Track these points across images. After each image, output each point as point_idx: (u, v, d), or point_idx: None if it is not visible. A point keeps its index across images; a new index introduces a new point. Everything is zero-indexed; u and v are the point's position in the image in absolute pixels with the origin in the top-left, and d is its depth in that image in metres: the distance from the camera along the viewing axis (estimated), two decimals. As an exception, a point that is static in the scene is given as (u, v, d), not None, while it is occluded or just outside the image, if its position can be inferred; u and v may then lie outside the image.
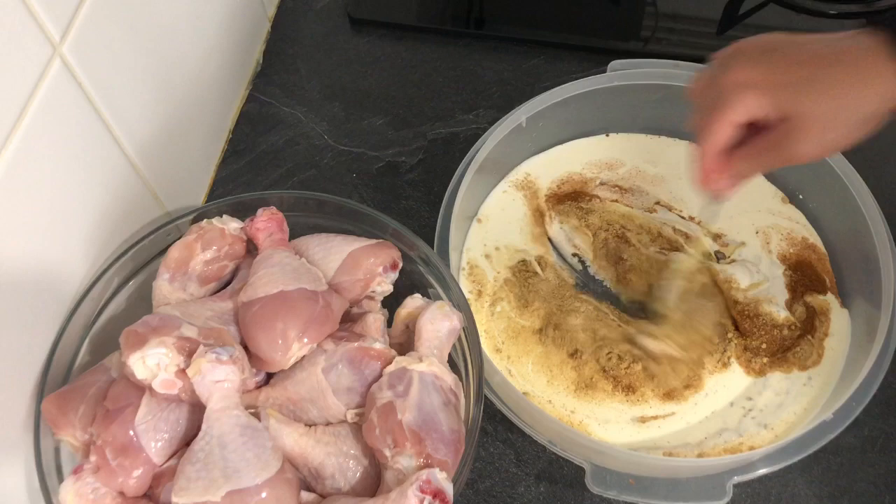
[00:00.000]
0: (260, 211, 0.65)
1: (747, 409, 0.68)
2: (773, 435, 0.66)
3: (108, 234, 0.65)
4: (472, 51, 0.91)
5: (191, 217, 0.67)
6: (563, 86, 0.76)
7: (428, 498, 0.50)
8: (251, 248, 0.66)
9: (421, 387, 0.55)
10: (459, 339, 0.62)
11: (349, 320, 0.64)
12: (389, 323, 0.65)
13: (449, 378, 0.57)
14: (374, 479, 0.57)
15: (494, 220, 0.78)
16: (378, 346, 0.58)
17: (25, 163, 0.53)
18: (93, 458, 0.55)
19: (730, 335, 0.71)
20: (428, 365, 0.56)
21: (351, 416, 0.57)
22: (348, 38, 0.93)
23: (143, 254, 0.66)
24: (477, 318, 0.69)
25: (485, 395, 0.60)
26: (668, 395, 0.68)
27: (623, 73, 0.77)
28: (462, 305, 0.62)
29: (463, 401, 0.58)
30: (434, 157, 0.84)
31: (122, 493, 0.55)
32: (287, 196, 0.68)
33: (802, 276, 0.74)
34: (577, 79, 0.77)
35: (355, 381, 0.57)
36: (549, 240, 0.77)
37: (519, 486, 0.67)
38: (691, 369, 0.69)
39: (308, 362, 0.58)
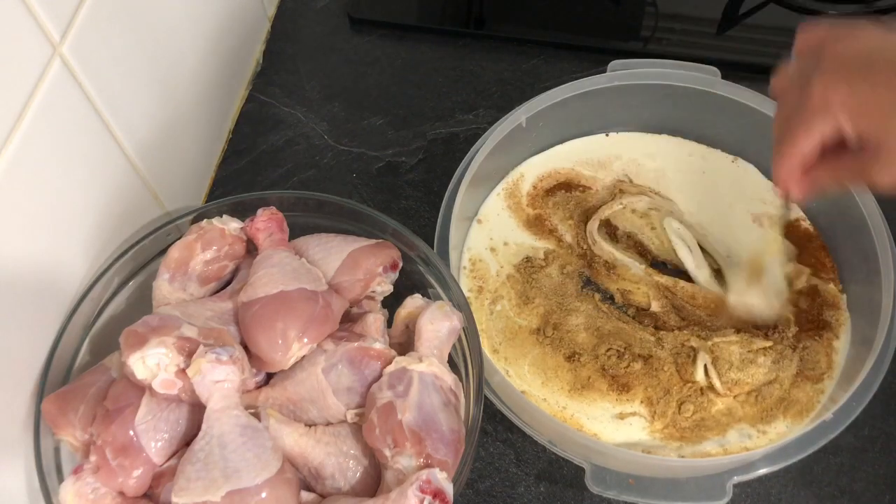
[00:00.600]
0: (260, 211, 0.65)
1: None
2: (768, 439, 0.66)
3: (108, 234, 0.65)
4: (472, 51, 0.91)
5: (191, 217, 0.67)
6: (562, 86, 0.76)
7: (428, 498, 0.50)
8: (251, 248, 0.66)
9: (421, 387, 0.55)
10: (459, 339, 0.62)
11: (349, 320, 0.64)
12: (389, 323, 0.65)
13: (449, 378, 0.57)
14: (374, 479, 0.57)
15: (494, 221, 0.78)
16: (378, 346, 0.58)
17: (25, 163, 0.53)
18: (93, 458, 0.55)
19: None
20: (428, 365, 0.56)
21: (351, 416, 0.57)
22: (348, 38, 0.93)
23: (143, 254, 0.66)
24: (476, 316, 0.69)
25: (485, 395, 0.60)
26: (651, 401, 0.68)
27: (623, 73, 0.77)
28: (462, 305, 0.62)
29: (463, 401, 0.58)
30: (434, 157, 0.84)
31: (122, 493, 0.55)
32: (287, 196, 0.68)
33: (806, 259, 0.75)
34: (576, 79, 0.77)
35: (355, 381, 0.57)
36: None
37: (519, 486, 0.67)
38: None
39: (308, 362, 0.58)
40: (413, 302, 0.63)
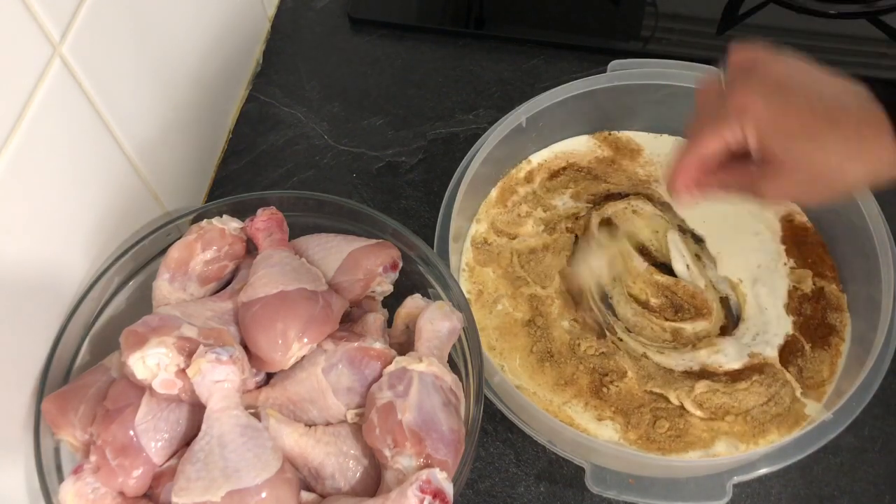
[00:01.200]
0: (260, 211, 0.65)
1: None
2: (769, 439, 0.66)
3: (108, 234, 0.65)
4: (472, 51, 0.91)
5: (191, 217, 0.67)
6: (562, 86, 0.76)
7: (428, 498, 0.50)
8: (251, 248, 0.66)
9: (421, 387, 0.55)
10: (459, 339, 0.62)
11: (349, 320, 0.64)
12: (389, 323, 0.65)
13: (449, 378, 0.57)
14: (374, 479, 0.57)
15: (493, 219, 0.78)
16: (378, 346, 0.58)
17: (25, 163, 0.53)
18: (93, 458, 0.55)
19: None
20: (428, 365, 0.56)
21: (351, 416, 0.57)
22: (348, 38, 0.93)
23: (143, 254, 0.66)
24: (477, 317, 0.69)
25: (485, 395, 0.60)
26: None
27: (623, 73, 0.77)
28: (462, 305, 0.62)
29: (463, 401, 0.58)
30: (434, 157, 0.84)
31: (122, 493, 0.55)
32: (287, 196, 0.68)
33: (802, 257, 0.74)
34: (577, 79, 0.77)
35: (355, 381, 0.57)
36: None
37: (519, 486, 0.67)
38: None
39: (308, 362, 0.58)
40: (413, 302, 0.63)
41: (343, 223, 0.68)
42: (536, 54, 0.91)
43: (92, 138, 0.61)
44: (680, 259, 0.74)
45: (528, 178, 0.80)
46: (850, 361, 0.69)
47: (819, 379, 0.68)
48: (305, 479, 0.57)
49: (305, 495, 0.55)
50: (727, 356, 0.69)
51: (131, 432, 0.54)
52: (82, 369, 0.61)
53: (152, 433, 0.55)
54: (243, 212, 0.66)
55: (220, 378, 0.53)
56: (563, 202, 0.78)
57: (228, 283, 0.66)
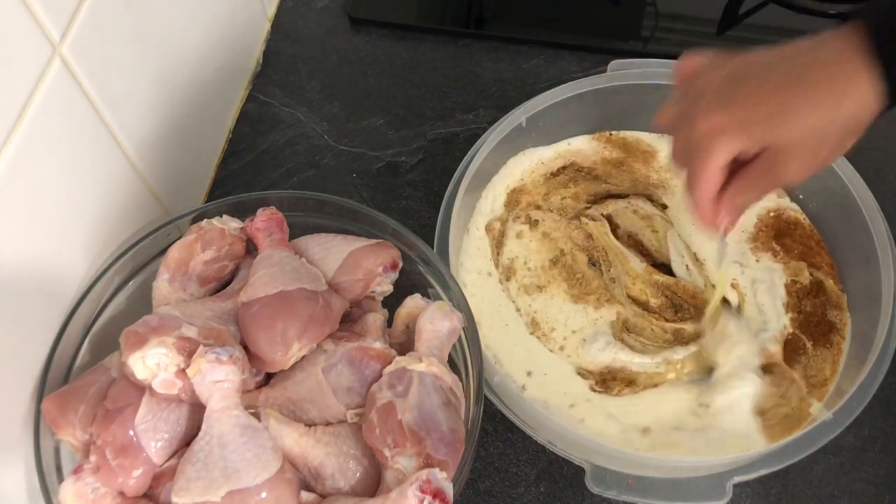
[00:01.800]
0: (260, 211, 0.65)
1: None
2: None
3: (108, 234, 0.65)
4: (472, 51, 0.91)
5: (191, 217, 0.67)
6: (562, 86, 0.76)
7: (428, 498, 0.50)
8: (251, 248, 0.66)
9: (421, 387, 0.55)
10: (459, 339, 0.62)
11: (349, 320, 0.64)
12: (389, 323, 0.65)
13: (449, 378, 0.57)
14: (374, 479, 0.57)
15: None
16: (378, 346, 0.58)
17: (25, 163, 0.53)
18: (93, 458, 0.55)
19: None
20: (428, 365, 0.56)
21: (351, 416, 0.57)
22: (348, 38, 0.93)
23: (143, 254, 0.66)
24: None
25: (485, 395, 0.60)
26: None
27: (623, 72, 0.77)
28: (462, 305, 0.62)
29: (463, 401, 0.58)
30: (434, 157, 0.84)
31: (122, 493, 0.55)
32: (287, 196, 0.68)
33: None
34: (576, 79, 0.77)
35: (355, 381, 0.57)
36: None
37: (519, 486, 0.67)
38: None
39: (308, 362, 0.58)
40: (413, 302, 0.63)
41: (343, 223, 0.68)
42: (536, 54, 0.91)
43: (92, 138, 0.61)
44: (679, 259, 0.74)
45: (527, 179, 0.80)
46: (850, 360, 0.69)
47: (822, 377, 0.68)
48: (305, 479, 0.57)
49: (305, 495, 0.55)
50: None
51: (131, 432, 0.54)
52: (82, 369, 0.61)
53: (152, 433, 0.55)
54: (243, 212, 0.66)
55: (220, 378, 0.53)
56: (563, 202, 0.78)
57: (228, 283, 0.66)
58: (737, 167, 0.55)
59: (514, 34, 0.92)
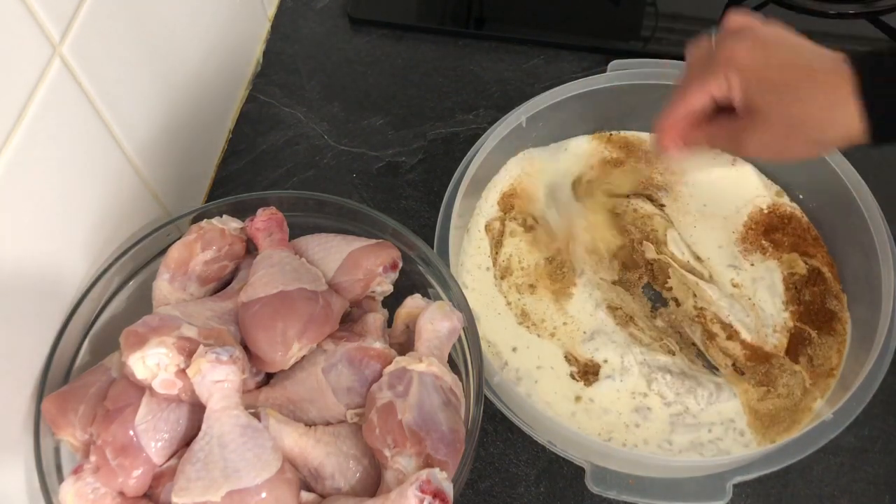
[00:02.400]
0: (260, 211, 0.65)
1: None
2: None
3: (108, 234, 0.65)
4: (472, 51, 0.91)
5: (191, 217, 0.67)
6: (562, 86, 0.76)
7: (428, 498, 0.50)
8: (251, 248, 0.66)
9: (421, 387, 0.55)
10: (459, 339, 0.62)
11: (349, 320, 0.64)
12: (389, 323, 0.65)
13: (449, 378, 0.57)
14: (374, 479, 0.57)
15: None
16: (378, 346, 0.58)
17: (25, 163, 0.53)
18: (93, 458, 0.55)
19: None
20: (428, 365, 0.56)
21: (351, 416, 0.57)
22: (348, 38, 0.93)
23: (143, 254, 0.66)
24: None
25: (485, 395, 0.60)
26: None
27: (623, 73, 0.77)
28: (462, 305, 0.62)
29: (463, 401, 0.58)
30: (434, 157, 0.84)
31: (122, 493, 0.55)
32: (287, 196, 0.68)
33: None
34: (577, 79, 0.77)
35: (355, 381, 0.57)
36: None
37: (519, 486, 0.67)
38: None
39: (308, 362, 0.58)
40: (413, 302, 0.63)
41: (343, 223, 0.68)
42: (536, 54, 0.90)
43: (92, 138, 0.61)
44: (680, 258, 0.74)
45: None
46: (850, 361, 0.69)
47: (828, 367, 0.69)
48: (305, 479, 0.57)
49: (305, 495, 0.55)
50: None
51: (131, 432, 0.54)
52: (82, 369, 0.61)
53: (152, 433, 0.55)
54: (243, 212, 0.66)
55: (220, 378, 0.53)
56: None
57: (228, 283, 0.66)
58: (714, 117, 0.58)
59: (514, 34, 0.92)
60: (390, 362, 0.57)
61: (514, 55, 0.91)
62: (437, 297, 0.65)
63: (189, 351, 0.54)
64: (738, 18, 0.59)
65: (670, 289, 0.74)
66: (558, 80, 0.77)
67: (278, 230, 0.64)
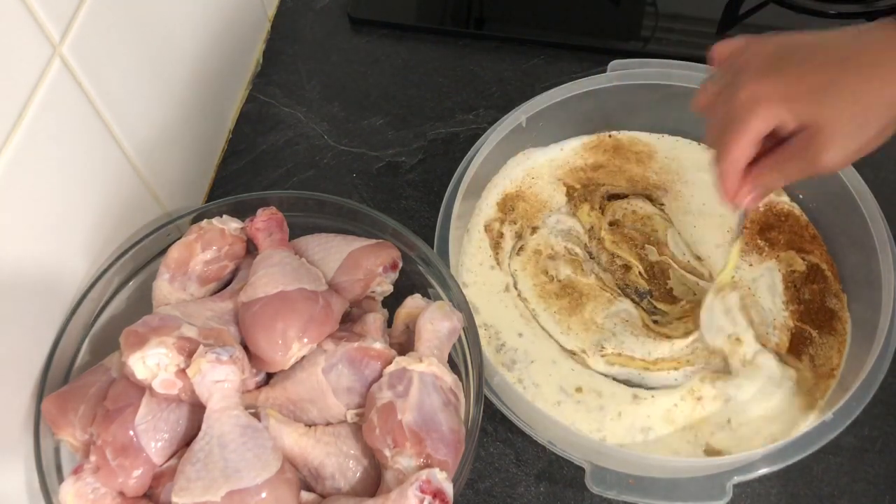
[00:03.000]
0: (260, 211, 0.65)
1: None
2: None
3: (108, 234, 0.65)
4: (472, 51, 0.91)
5: (191, 217, 0.67)
6: (562, 86, 0.76)
7: (428, 498, 0.50)
8: (251, 248, 0.66)
9: (421, 387, 0.55)
10: (459, 339, 0.62)
11: (349, 320, 0.64)
12: (389, 323, 0.65)
13: (449, 378, 0.57)
14: (374, 479, 0.57)
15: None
16: (378, 346, 0.58)
17: (25, 163, 0.53)
18: (93, 458, 0.55)
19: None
20: (428, 365, 0.56)
21: (351, 416, 0.57)
22: (348, 38, 0.93)
23: (143, 254, 0.66)
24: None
25: (485, 395, 0.60)
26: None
27: (623, 73, 0.77)
28: (462, 305, 0.62)
29: (463, 401, 0.58)
30: (434, 157, 0.84)
31: (122, 493, 0.55)
32: (287, 196, 0.68)
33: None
34: (576, 79, 0.77)
35: (355, 381, 0.57)
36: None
37: (519, 486, 0.67)
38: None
39: (308, 362, 0.58)
40: (413, 302, 0.63)
41: (343, 223, 0.68)
42: (536, 54, 0.90)
43: (92, 138, 0.61)
44: (680, 258, 0.74)
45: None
46: (850, 361, 0.69)
47: (829, 367, 0.69)
48: (305, 479, 0.57)
49: (305, 495, 0.55)
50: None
51: (131, 432, 0.54)
52: (82, 369, 0.61)
53: (152, 433, 0.55)
54: (243, 212, 0.66)
55: (220, 378, 0.53)
56: (558, 202, 0.78)
57: (228, 283, 0.66)
58: (769, 148, 0.53)
59: (514, 34, 0.92)
60: (390, 362, 0.57)
61: (514, 55, 0.91)
62: (437, 297, 0.65)
63: (189, 351, 0.54)
64: (725, 49, 0.56)
65: (670, 290, 0.74)
66: (558, 80, 0.77)
67: (278, 230, 0.64)
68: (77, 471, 0.55)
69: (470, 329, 0.61)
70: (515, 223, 0.77)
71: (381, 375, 0.57)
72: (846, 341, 0.70)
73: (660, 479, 0.62)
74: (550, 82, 0.80)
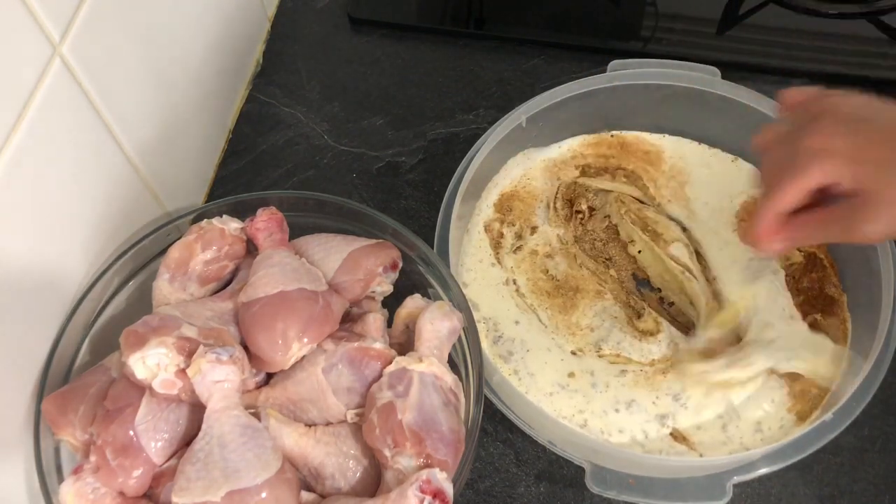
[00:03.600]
0: (260, 211, 0.65)
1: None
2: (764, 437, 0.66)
3: (108, 234, 0.65)
4: (472, 51, 0.91)
5: (191, 217, 0.68)
6: (562, 86, 0.76)
7: (428, 498, 0.50)
8: (251, 248, 0.66)
9: (421, 387, 0.55)
10: (459, 339, 0.62)
11: (349, 320, 0.64)
12: (389, 323, 0.65)
13: (449, 378, 0.57)
14: (374, 479, 0.57)
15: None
16: (378, 346, 0.58)
17: (25, 163, 0.53)
18: (93, 458, 0.55)
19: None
20: (428, 365, 0.56)
21: (351, 416, 0.57)
22: (348, 38, 0.93)
23: (143, 254, 0.66)
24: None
25: (485, 395, 0.60)
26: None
27: (623, 73, 0.77)
28: (462, 305, 0.62)
29: (463, 401, 0.58)
30: (434, 157, 0.84)
31: (122, 493, 0.55)
32: (287, 196, 0.68)
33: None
34: (576, 79, 0.77)
35: (355, 381, 0.57)
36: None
37: (519, 486, 0.67)
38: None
39: (308, 362, 0.58)
40: (413, 302, 0.63)
41: (343, 223, 0.68)
42: (536, 54, 0.90)
43: (92, 138, 0.61)
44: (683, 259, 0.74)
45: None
46: (850, 361, 0.68)
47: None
48: (305, 479, 0.57)
49: (305, 495, 0.55)
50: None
51: (131, 432, 0.54)
52: (82, 369, 0.61)
53: (152, 433, 0.55)
54: (243, 212, 0.66)
55: (220, 378, 0.53)
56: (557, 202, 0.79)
57: (228, 283, 0.66)
58: (807, 206, 0.53)
59: (514, 34, 0.92)
60: (390, 362, 0.57)
61: (514, 55, 0.91)
62: (437, 297, 0.65)
63: (189, 351, 0.54)
64: (797, 96, 0.55)
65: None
66: (558, 80, 0.77)
67: (278, 230, 0.64)
68: (77, 471, 0.55)
69: (470, 329, 0.61)
70: (514, 224, 0.77)
71: (381, 375, 0.57)
72: (846, 341, 0.70)
73: (660, 479, 0.62)
74: (550, 82, 0.80)
